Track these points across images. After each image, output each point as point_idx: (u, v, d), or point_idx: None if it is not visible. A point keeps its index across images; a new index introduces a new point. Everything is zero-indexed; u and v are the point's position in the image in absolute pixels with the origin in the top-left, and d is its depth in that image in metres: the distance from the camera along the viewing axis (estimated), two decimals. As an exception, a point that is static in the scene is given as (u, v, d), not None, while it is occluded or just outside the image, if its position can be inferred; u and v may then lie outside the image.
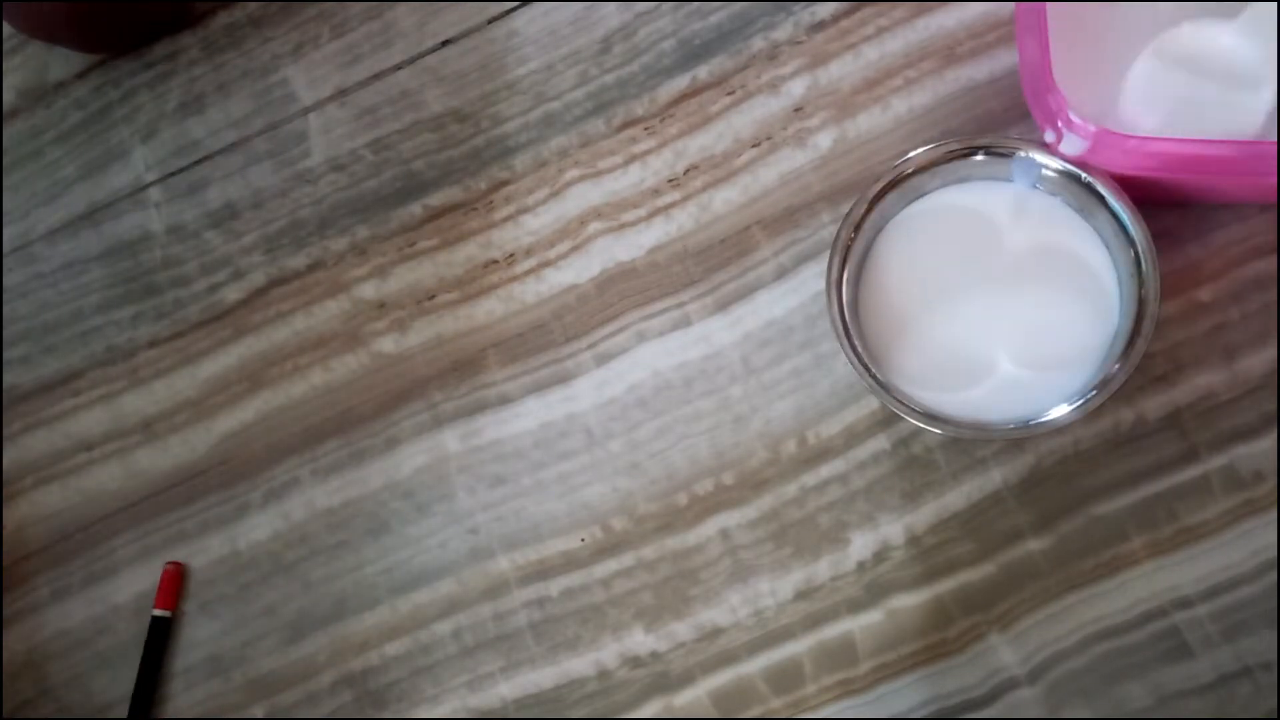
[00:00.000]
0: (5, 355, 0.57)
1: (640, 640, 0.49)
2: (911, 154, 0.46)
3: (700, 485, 0.50)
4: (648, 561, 0.49)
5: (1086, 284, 0.45)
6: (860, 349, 0.45)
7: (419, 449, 0.52)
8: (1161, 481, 0.46)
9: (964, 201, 0.47)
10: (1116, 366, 0.42)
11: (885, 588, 0.48)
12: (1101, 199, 0.44)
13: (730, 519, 0.49)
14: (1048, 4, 0.43)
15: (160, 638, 0.52)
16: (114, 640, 0.53)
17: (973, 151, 0.46)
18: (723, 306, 0.51)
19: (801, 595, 0.48)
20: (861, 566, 0.48)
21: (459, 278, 0.53)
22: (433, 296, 0.54)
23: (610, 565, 0.50)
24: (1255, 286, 0.47)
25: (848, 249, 0.46)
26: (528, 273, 0.53)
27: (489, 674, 0.50)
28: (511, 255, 0.53)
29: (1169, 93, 0.44)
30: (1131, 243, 0.43)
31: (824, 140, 0.51)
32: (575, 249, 0.53)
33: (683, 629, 0.49)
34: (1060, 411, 0.43)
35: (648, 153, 0.53)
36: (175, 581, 0.53)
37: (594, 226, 0.53)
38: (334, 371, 0.54)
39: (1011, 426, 0.44)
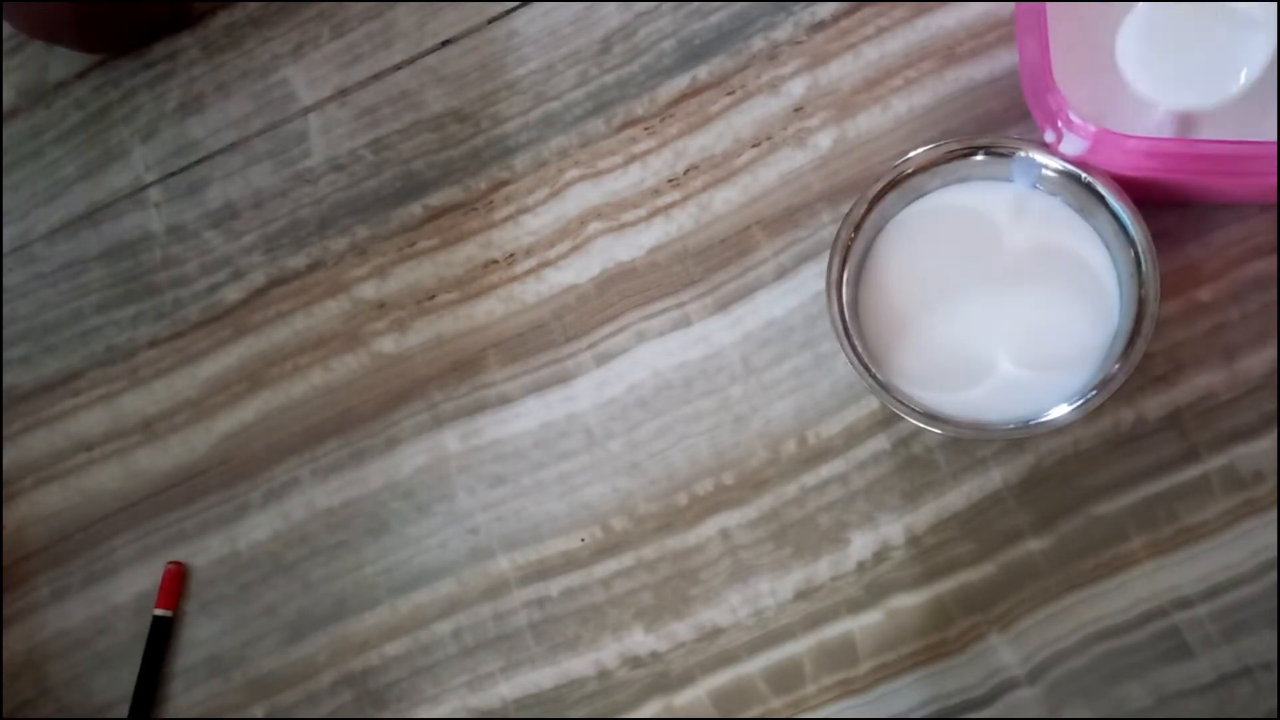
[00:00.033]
0: (5, 355, 0.57)
1: (640, 640, 0.49)
2: (911, 154, 0.46)
3: (700, 485, 0.50)
4: (648, 561, 0.49)
5: (1086, 284, 0.45)
6: (860, 349, 0.45)
7: (419, 449, 0.52)
8: (1161, 481, 0.46)
9: (964, 201, 0.47)
10: (1116, 366, 0.42)
11: (885, 588, 0.48)
12: (1101, 199, 0.44)
13: (730, 519, 0.49)
14: (1048, 4, 0.43)
15: (161, 637, 0.52)
16: (114, 640, 0.53)
17: (973, 151, 0.46)
18: (723, 306, 0.51)
19: (801, 595, 0.48)
20: (861, 566, 0.48)
21: (459, 278, 0.53)
22: (433, 296, 0.54)
23: (610, 565, 0.50)
24: (1255, 286, 0.47)
25: (848, 249, 0.46)
26: (528, 273, 0.53)
27: (489, 674, 0.50)
28: (511, 255, 0.53)
29: (1166, 38, 0.44)
30: (1131, 243, 0.43)
31: (824, 140, 0.51)
32: (575, 249, 0.53)
33: (683, 629, 0.49)
34: (1060, 411, 0.43)
35: (648, 153, 0.53)
36: (177, 581, 0.53)
37: (594, 226, 0.53)
38: (334, 371, 0.54)
39: (1011, 426, 0.44)
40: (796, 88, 0.52)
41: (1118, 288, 0.45)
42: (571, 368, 0.52)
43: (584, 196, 0.53)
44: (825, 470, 0.49)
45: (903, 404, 0.44)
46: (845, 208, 0.47)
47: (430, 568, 0.51)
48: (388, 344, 0.54)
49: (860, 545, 0.48)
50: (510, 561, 0.51)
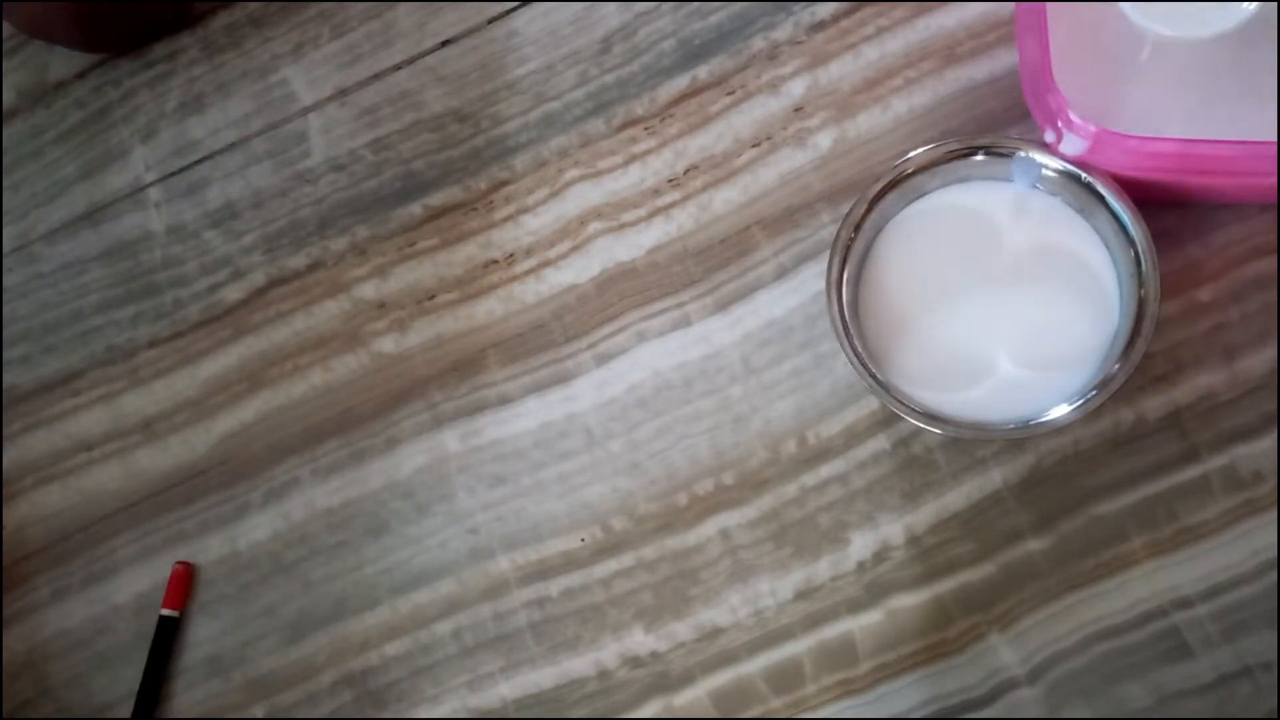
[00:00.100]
0: (5, 355, 0.57)
1: (640, 640, 0.49)
2: (911, 154, 0.46)
3: (700, 485, 0.50)
4: (648, 561, 0.49)
5: (1086, 284, 0.45)
6: (860, 349, 0.45)
7: (419, 449, 0.52)
8: (1161, 481, 0.46)
9: (964, 201, 0.47)
10: (1116, 366, 0.42)
11: (885, 588, 0.48)
12: (1101, 199, 0.44)
13: (730, 519, 0.49)
14: (1048, 4, 0.43)
15: (167, 637, 0.52)
16: (114, 640, 0.53)
17: (973, 151, 0.46)
18: (723, 306, 0.51)
19: (801, 595, 0.48)
20: (861, 566, 0.48)
21: (459, 278, 0.53)
22: (433, 296, 0.54)
23: (610, 565, 0.50)
24: (1255, 286, 0.47)
25: (848, 249, 0.46)
26: (528, 273, 0.53)
27: (489, 674, 0.50)
28: (511, 255, 0.53)
29: None
30: (1131, 243, 0.43)
31: (824, 140, 0.51)
32: (575, 249, 0.53)
33: (683, 629, 0.49)
34: (1060, 411, 0.43)
35: (648, 153, 0.53)
36: (184, 581, 0.53)
37: (594, 226, 0.53)
38: (334, 371, 0.54)
39: (1011, 426, 0.44)
40: (796, 88, 0.52)
41: (1118, 288, 0.45)
42: (571, 368, 0.52)
43: (584, 196, 0.53)
44: (825, 470, 0.49)
45: (903, 404, 0.44)
46: (845, 208, 0.47)
47: (430, 568, 0.51)
48: (388, 344, 0.54)
49: (860, 545, 0.48)
50: (510, 561, 0.51)
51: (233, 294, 0.55)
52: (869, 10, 0.52)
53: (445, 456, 0.52)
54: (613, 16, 0.54)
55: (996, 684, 0.46)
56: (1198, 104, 0.45)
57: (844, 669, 0.47)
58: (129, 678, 0.52)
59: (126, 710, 0.52)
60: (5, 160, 0.59)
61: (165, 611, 0.52)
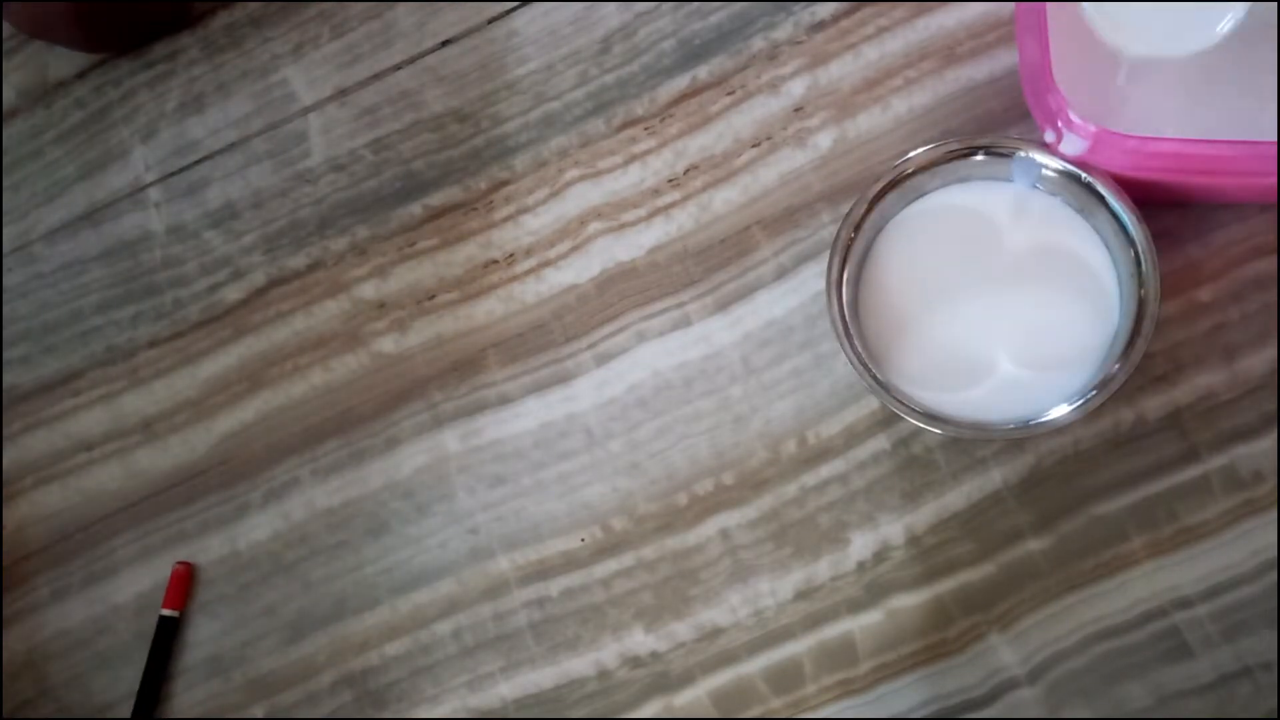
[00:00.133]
0: (5, 355, 0.57)
1: (640, 640, 0.49)
2: (911, 154, 0.46)
3: (700, 485, 0.50)
4: (648, 561, 0.49)
5: (1086, 284, 0.45)
6: (860, 349, 0.45)
7: (419, 449, 0.52)
8: (1161, 481, 0.46)
9: (964, 201, 0.47)
10: (1116, 366, 0.42)
11: (885, 588, 0.48)
12: (1101, 199, 0.44)
13: (730, 519, 0.49)
14: (1048, 4, 0.43)
15: (167, 637, 0.52)
16: (114, 640, 0.53)
17: (973, 151, 0.46)
18: (723, 306, 0.51)
19: (801, 595, 0.48)
20: (861, 566, 0.48)
21: (459, 278, 0.53)
22: (433, 296, 0.54)
23: (610, 565, 0.50)
24: (1255, 286, 0.47)
25: (848, 249, 0.46)
26: (528, 273, 0.53)
27: (489, 674, 0.50)
28: (511, 255, 0.53)
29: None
30: (1131, 243, 0.43)
31: (824, 140, 0.51)
32: (575, 249, 0.53)
33: (683, 629, 0.49)
34: (1060, 411, 0.43)
35: (648, 153, 0.53)
36: (185, 581, 0.53)
37: (594, 226, 0.53)
38: (334, 371, 0.54)
39: (1011, 426, 0.44)
40: (796, 88, 0.52)
41: (1118, 288, 0.45)
42: (571, 368, 0.52)
43: (584, 196, 0.53)
44: (825, 470, 0.49)
45: (903, 404, 0.44)
46: (845, 208, 0.47)
47: (430, 568, 0.51)
48: (388, 344, 0.54)
49: (860, 545, 0.48)
50: (510, 561, 0.51)
51: (233, 294, 0.55)
52: (869, 10, 0.52)
53: (445, 456, 0.52)
54: (613, 16, 0.54)
55: (996, 684, 0.46)
56: (1198, 104, 0.45)
57: (844, 669, 0.47)
58: (129, 678, 0.52)
59: (126, 710, 0.52)
60: (5, 160, 0.59)
61: (165, 611, 0.52)
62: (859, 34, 0.52)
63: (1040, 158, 0.45)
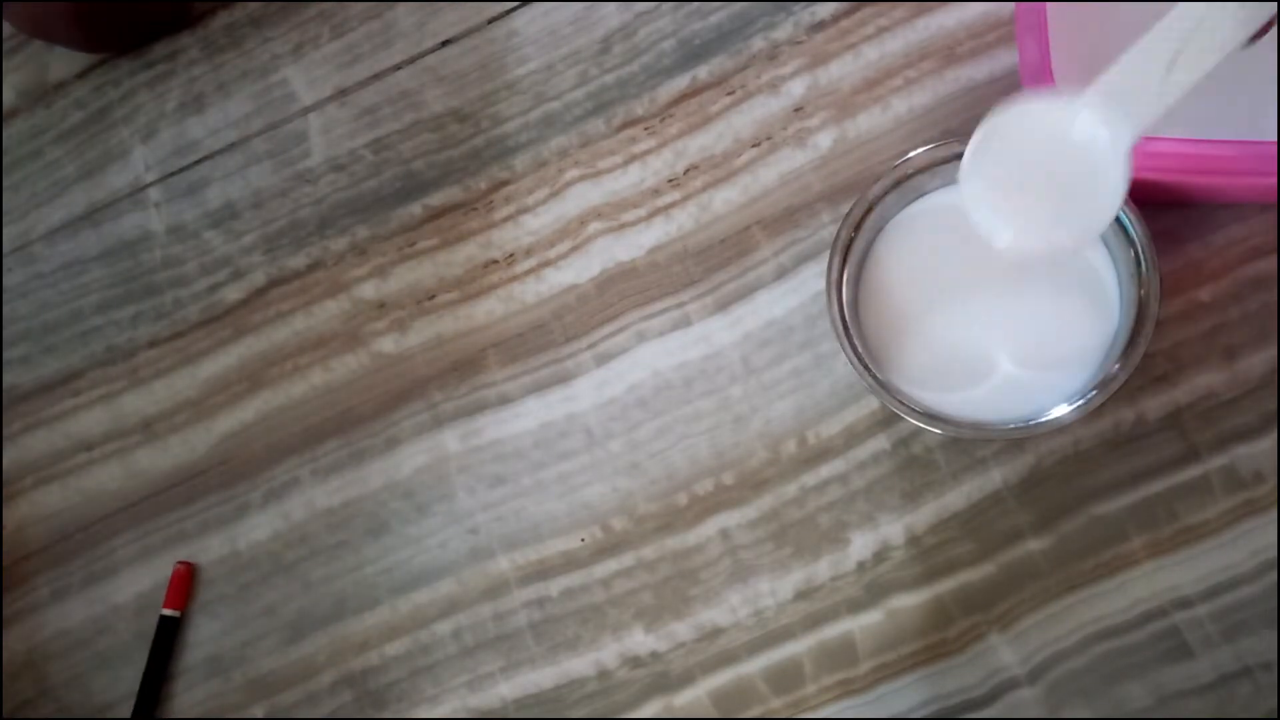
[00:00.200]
0: (5, 355, 0.57)
1: (640, 640, 0.49)
2: (911, 154, 0.46)
3: (700, 485, 0.50)
4: (648, 561, 0.49)
5: (1086, 284, 0.45)
6: (860, 349, 0.45)
7: (419, 449, 0.52)
8: (1161, 481, 0.46)
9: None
10: (1116, 366, 0.42)
11: (885, 588, 0.48)
12: (1101, 199, 0.44)
13: (730, 519, 0.49)
14: (1048, 4, 0.43)
15: (167, 637, 0.52)
16: (114, 640, 0.53)
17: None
18: (723, 306, 0.51)
19: (801, 595, 0.48)
20: (861, 566, 0.48)
21: (459, 278, 0.53)
22: (433, 296, 0.54)
23: (610, 565, 0.50)
24: (1255, 286, 0.47)
25: (848, 249, 0.46)
26: (528, 273, 0.53)
27: (489, 674, 0.50)
28: (511, 255, 0.53)
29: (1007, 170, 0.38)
30: (1131, 243, 0.43)
31: (824, 140, 0.51)
32: (575, 249, 0.53)
33: (683, 629, 0.49)
34: (1060, 411, 0.43)
35: (648, 153, 0.53)
36: (186, 581, 0.53)
37: (594, 226, 0.53)
38: (334, 371, 0.54)
39: (1011, 426, 0.44)
40: (796, 88, 0.52)
41: (1118, 288, 0.45)
42: (571, 368, 0.52)
43: (584, 196, 0.53)
44: (825, 470, 0.49)
45: (903, 404, 0.44)
46: (845, 208, 0.47)
47: (430, 568, 0.51)
48: (388, 344, 0.54)
49: (860, 545, 0.48)
50: (510, 561, 0.51)
51: (233, 294, 0.55)
52: (869, 10, 0.52)
53: (445, 456, 0.52)
54: (613, 16, 0.54)
55: (996, 684, 0.46)
56: (1198, 104, 0.45)
57: (844, 669, 0.47)
58: (129, 678, 0.52)
59: (126, 710, 0.52)
60: (5, 160, 0.59)
61: (165, 611, 0.52)
62: (859, 34, 0.52)
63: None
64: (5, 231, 0.58)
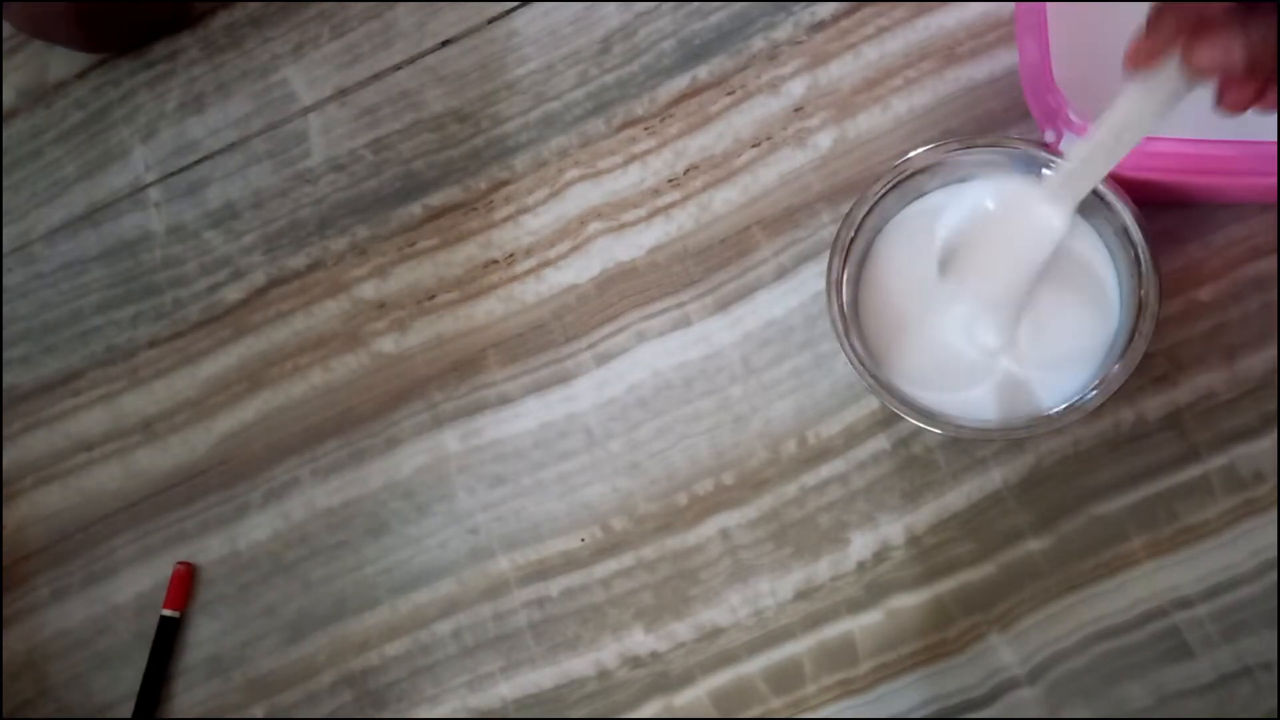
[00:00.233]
0: (5, 355, 0.57)
1: (640, 640, 0.49)
2: (911, 154, 0.46)
3: (700, 485, 0.50)
4: (648, 561, 0.49)
5: (1086, 284, 0.45)
6: (860, 349, 0.45)
7: (419, 449, 0.52)
8: (1161, 481, 0.46)
9: (964, 201, 0.47)
10: (1116, 366, 0.42)
11: (885, 588, 0.47)
12: (1101, 199, 0.44)
13: (730, 519, 0.49)
14: (1048, 4, 0.43)
15: (167, 637, 0.52)
16: (114, 640, 0.53)
17: (973, 151, 0.46)
18: (723, 306, 0.51)
19: (801, 595, 0.48)
20: (861, 566, 0.48)
21: (459, 278, 0.53)
22: (433, 296, 0.54)
23: (610, 565, 0.50)
24: (1255, 286, 0.47)
25: (848, 249, 0.46)
26: (528, 273, 0.53)
27: (489, 674, 0.50)
28: (511, 255, 0.53)
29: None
30: (1131, 243, 0.43)
31: (824, 140, 0.51)
32: (575, 249, 0.53)
33: (683, 629, 0.49)
34: (1060, 411, 0.43)
35: (648, 153, 0.53)
36: (186, 582, 0.53)
37: (594, 226, 0.53)
38: (334, 371, 0.54)
39: (1011, 426, 0.44)
40: (796, 88, 0.52)
41: (1118, 288, 0.45)
42: (571, 368, 0.52)
43: (584, 196, 0.53)
44: (825, 470, 0.49)
45: (903, 404, 0.44)
46: (845, 208, 0.47)
47: (430, 568, 0.51)
48: (388, 344, 0.54)
49: (860, 545, 0.48)
50: (510, 561, 0.51)
51: (233, 294, 0.55)
52: (869, 10, 0.52)
53: (445, 456, 0.52)
54: (613, 16, 0.54)
55: (996, 684, 0.46)
56: (1198, 104, 0.45)
57: (844, 669, 0.47)
58: (129, 678, 0.52)
59: (126, 710, 0.52)
60: (5, 160, 0.59)
61: (165, 611, 0.52)
62: (859, 34, 0.52)
63: (1040, 157, 0.45)
64: (5, 231, 0.58)
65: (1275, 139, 0.41)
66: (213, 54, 0.58)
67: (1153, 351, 0.47)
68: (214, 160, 0.57)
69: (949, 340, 0.45)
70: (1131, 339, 0.42)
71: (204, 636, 0.53)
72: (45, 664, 0.54)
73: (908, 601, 0.47)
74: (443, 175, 0.54)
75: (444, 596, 0.51)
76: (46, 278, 0.57)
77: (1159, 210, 0.45)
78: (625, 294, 0.52)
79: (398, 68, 0.56)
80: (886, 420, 0.48)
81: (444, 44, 0.56)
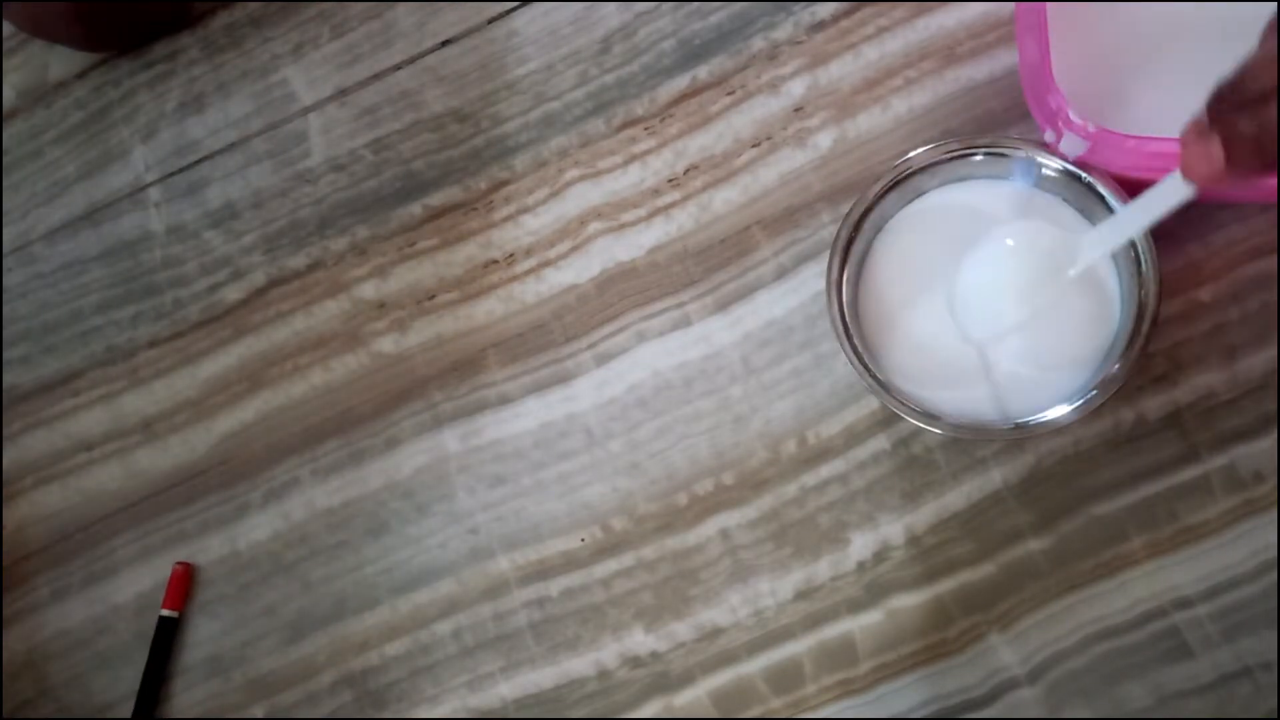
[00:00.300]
0: (5, 355, 0.57)
1: (640, 640, 0.49)
2: (911, 154, 0.46)
3: (700, 485, 0.50)
4: (648, 561, 0.49)
5: (1086, 284, 0.45)
6: (860, 349, 0.45)
7: (419, 449, 0.52)
8: (1161, 481, 0.46)
9: (964, 201, 0.47)
10: (1116, 366, 0.42)
11: (885, 588, 0.47)
12: (1101, 199, 0.44)
13: (730, 519, 0.49)
14: (1048, 4, 0.43)
15: (167, 637, 0.52)
16: (114, 640, 0.53)
17: (973, 151, 0.46)
18: (723, 306, 0.51)
19: (801, 595, 0.48)
20: (861, 566, 0.48)
21: (459, 278, 0.53)
22: (433, 296, 0.54)
23: (610, 565, 0.50)
24: (1255, 286, 0.47)
25: (848, 249, 0.46)
26: (528, 273, 0.53)
27: (489, 674, 0.50)
28: (511, 255, 0.53)
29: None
30: (1131, 243, 0.43)
31: (824, 140, 0.51)
32: (575, 249, 0.53)
33: (683, 629, 0.49)
34: (1060, 411, 0.43)
35: (648, 153, 0.53)
36: (184, 581, 0.53)
37: (594, 226, 0.53)
38: (334, 371, 0.54)
39: (1011, 426, 0.44)
40: (796, 88, 0.52)
41: (1118, 288, 0.45)
42: (571, 368, 0.52)
43: (584, 196, 0.53)
44: (825, 470, 0.49)
45: (903, 404, 0.44)
46: (845, 208, 0.47)
47: (430, 568, 0.51)
48: (388, 344, 0.54)
49: (860, 545, 0.48)
50: (510, 561, 0.51)
51: (233, 294, 0.55)
52: (869, 10, 0.52)
53: (445, 456, 0.52)
54: (613, 16, 0.54)
55: (996, 684, 0.46)
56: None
57: (844, 669, 0.47)
58: (129, 678, 0.52)
59: (126, 710, 0.52)
60: (5, 160, 0.59)
61: (165, 611, 0.52)
62: (859, 34, 0.52)
63: (1040, 158, 0.45)
64: (5, 231, 0.58)
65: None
66: (213, 54, 0.58)
67: (1153, 351, 0.47)
68: (214, 160, 0.57)
69: (949, 340, 0.45)
70: (1132, 339, 0.43)
71: (203, 636, 0.53)
72: (45, 664, 0.54)
73: (908, 601, 0.47)
74: (443, 175, 0.54)
75: (444, 596, 0.51)
76: (46, 278, 0.57)
77: (1159, 210, 0.45)
78: (625, 294, 0.52)
79: (398, 68, 0.56)
80: (886, 420, 0.48)
81: (444, 44, 0.56)
